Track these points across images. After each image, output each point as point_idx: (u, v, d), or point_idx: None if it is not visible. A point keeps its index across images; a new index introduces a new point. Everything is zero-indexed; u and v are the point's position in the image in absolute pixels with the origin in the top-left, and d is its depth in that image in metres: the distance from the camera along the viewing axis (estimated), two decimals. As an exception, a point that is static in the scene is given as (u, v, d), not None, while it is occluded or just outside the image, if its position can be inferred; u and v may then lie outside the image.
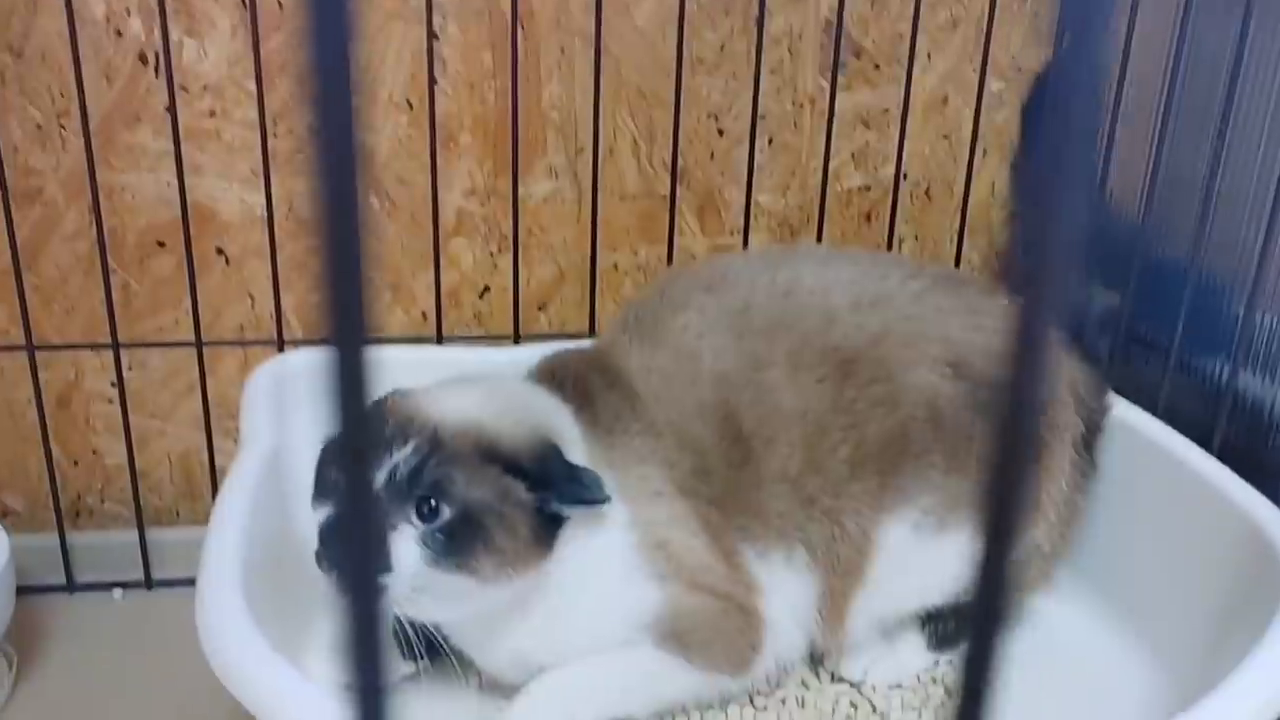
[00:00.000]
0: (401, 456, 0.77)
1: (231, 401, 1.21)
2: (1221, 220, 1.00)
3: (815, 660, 0.98)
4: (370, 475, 0.20)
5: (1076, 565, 1.02)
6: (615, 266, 1.23)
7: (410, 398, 0.83)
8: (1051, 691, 0.96)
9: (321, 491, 0.80)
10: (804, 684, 0.96)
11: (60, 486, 1.17)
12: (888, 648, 0.98)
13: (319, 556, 0.76)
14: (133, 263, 1.15)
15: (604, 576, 0.85)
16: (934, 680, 0.98)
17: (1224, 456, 0.93)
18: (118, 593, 1.18)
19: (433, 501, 0.76)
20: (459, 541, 0.76)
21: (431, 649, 0.85)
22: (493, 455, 0.79)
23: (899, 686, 0.97)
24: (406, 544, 0.76)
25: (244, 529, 0.79)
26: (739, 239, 1.24)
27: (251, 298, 1.18)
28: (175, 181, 1.09)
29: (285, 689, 0.64)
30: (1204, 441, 0.95)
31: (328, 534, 0.77)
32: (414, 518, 0.76)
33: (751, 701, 0.93)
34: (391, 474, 0.77)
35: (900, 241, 1.28)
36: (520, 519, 0.78)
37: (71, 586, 1.18)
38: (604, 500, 0.79)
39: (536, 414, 0.84)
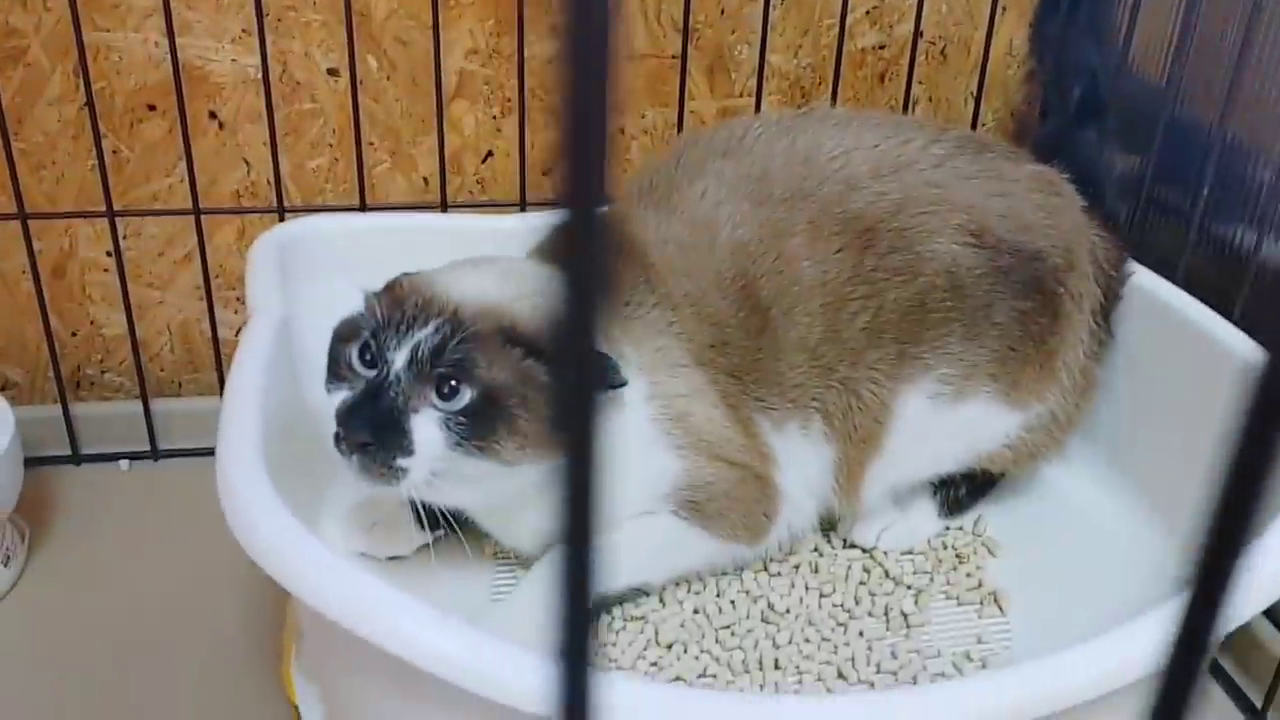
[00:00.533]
0: (423, 336, 0.75)
1: (230, 271, 1.19)
2: (1251, 82, 0.97)
3: (828, 527, 0.99)
4: (587, 354, 0.19)
5: (1090, 434, 1.02)
6: (621, 130, 1.20)
7: (426, 278, 0.81)
8: (1062, 559, 0.97)
9: (335, 374, 0.79)
10: (817, 550, 0.97)
11: (60, 358, 1.15)
12: (900, 514, 0.98)
13: (337, 439, 0.75)
14: (122, 128, 1.11)
15: (625, 450, 0.84)
16: (944, 545, 0.99)
17: (1245, 325, 0.91)
18: (124, 464, 1.18)
19: (454, 382, 0.75)
20: (480, 424, 0.75)
21: (448, 519, 0.85)
22: (513, 337, 0.77)
23: (910, 552, 0.98)
24: (428, 426, 0.75)
25: (260, 398, 0.78)
26: (749, 101, 1.20)
27: (247, 164, 1.14)
28: (164, 41, 1.05)
29: (308, 557, 0.64)
30: (1225, 310, 0.94)
31: (345, 417, 0.75)
32: (435, 399, 0.75)
33: (765, 567, 0.94)
34: (414, 353, 0.75)
35: (914, 103, 1.24)
36: (542, 402, 0.77)
37: (78, 458, 1.17)
38: (621, 384, 0.78)
39: (551, 295, 0.82)
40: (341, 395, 0.77)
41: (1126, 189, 1.09)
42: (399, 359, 0.75)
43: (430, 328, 0.76)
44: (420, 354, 0.75)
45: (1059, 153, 0.99)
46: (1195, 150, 1.03)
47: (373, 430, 0.74)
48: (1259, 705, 0.91)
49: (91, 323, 1.19)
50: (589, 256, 0.17)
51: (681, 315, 0.87)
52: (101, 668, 0.93)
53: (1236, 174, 0.99)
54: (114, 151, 1.11)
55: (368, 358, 0.77)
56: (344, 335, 0.79)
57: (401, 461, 0.74)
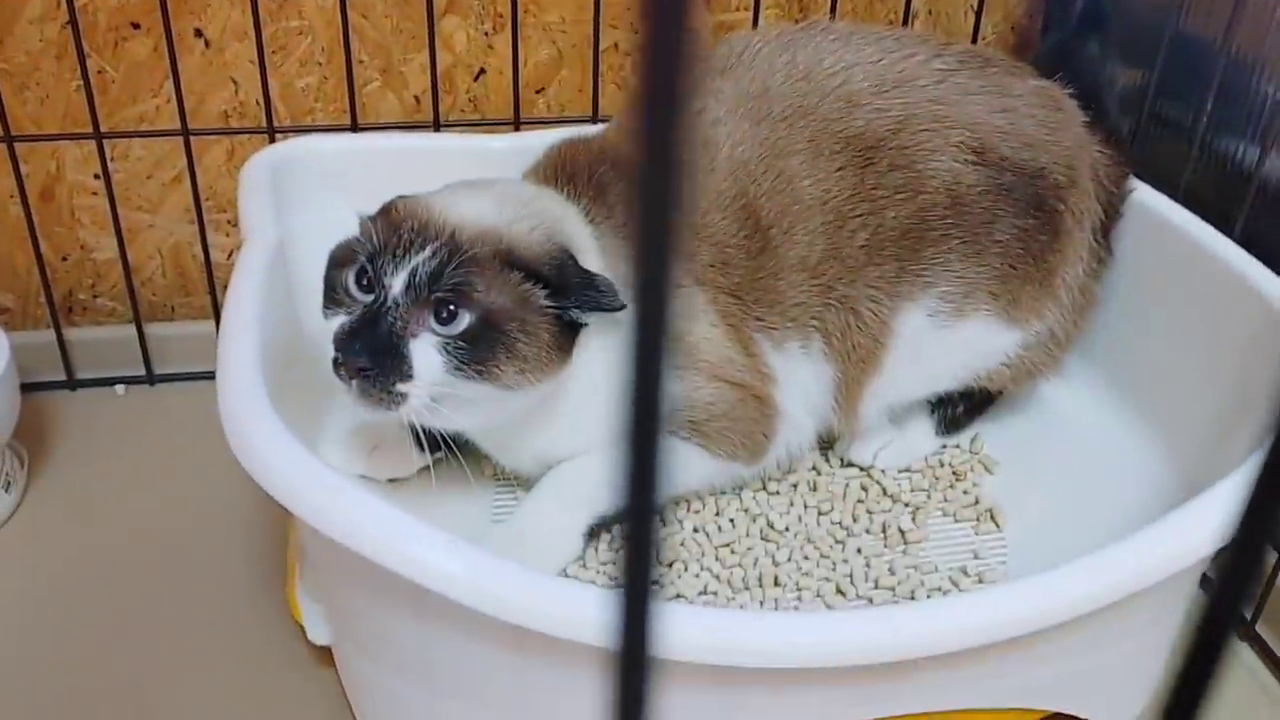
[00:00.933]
0: (421, 259, 0.75)
1: (220, 193, 1.17)
2: (1258, -7, 0.95)
3: (826, 446, 0.99)
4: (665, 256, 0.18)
5: (1088, 351, 1.02)
6: (616, 46, 1.17)
7: (422, 201, 0.79)
8: (1059, 475, 0.98)
9: (332, 299, 0.78)
10: (815, 469, 0.98)
11: (51, 283, 1.14)
12: (897, 433, 0.99)
13: (336, 365, 0.75)
14: (106, 46, 1.08)
15: (624, 372, 0.84)
16: (942, 463, 1.00)
17: (1246, 242, 0.91)
18: (120, 388, 1.18)
19: (452, 307, 0.74)
20: (479, 348, 0.74)
21: (448, 442, 0.85)
22: (511, 261, 0.76)
23: (908, 470, 0.99)
24: (427, 350, 0.74)
25: (258, 323, 0.77)
26: (746, 15, 1.17)
27: (235, 83, 1.12)
28: (146, -45, 1.02)
29: (310, 477, 0.64)
30: (1226, 226, 0.93)
31: (344, 343, 0.75)
32: (433, 324, 0.75)
33: (764, 486, 0.95)
34: (411, 278, 0.74)
35: (914, 17, 1.22)
36: (540, 325, 0.76)
37: (73, 383, 1.17)
38: (620, 307, 0.78)
39: (549, 219, 0.81)
40: (339, 320, 0.76)
41: (1129, 104, 1.08)
42: (396, 284, 0.74)
43: (427, 251, 0.75)
44: (418, 278, 0.74)
45: (1061, 67, 0.97)
46: (1198, 64, 1.01)
47: (371, 356, 0.73)
48: (1249, 617, 0.92)
49: (82, 247, 1.17)
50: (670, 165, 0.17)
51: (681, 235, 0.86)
52: (106, 590, 0.93)
53: (1240, 89, 0.98)
54: (99, 71, 1.09)
55: (365, 283, 0.76)
56: (340, 260, 0.78)
57: (401, 387, 0.74)
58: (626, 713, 0.20)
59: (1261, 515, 0.17)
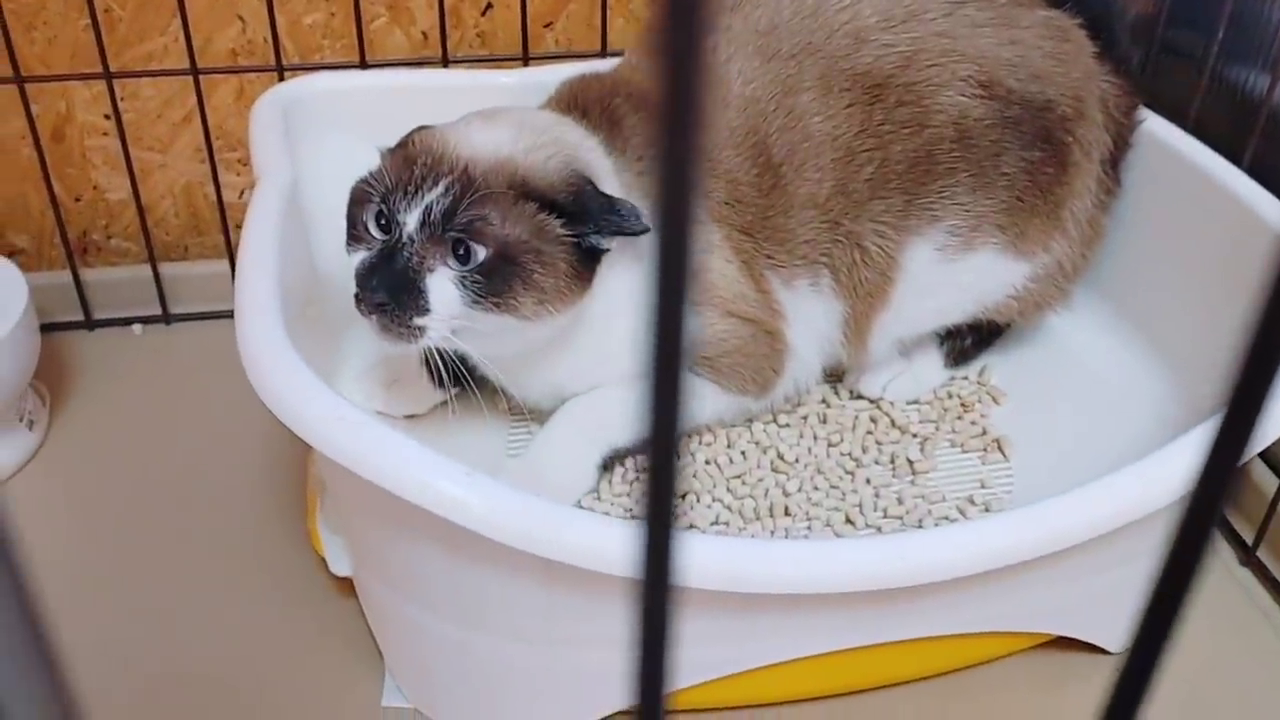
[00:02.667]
0: (434, 197, 0.75)
1: (230, 132, 1.17)
2: (1272, -82, 0.94)
3: (835, 378, 1.01)
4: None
5: (1096, 283, 1.03)
6: (623, -20, 1.17)
7: (437, 134, 0.80)
8: (1066, 406, 0.99)
9: (354, 235, 0.79)
10: (825, 401, 0.99)
11: (65, 224, 1.14)
12: (906, 365, 1.00)
13: (358, 300, 0.76)
14: (113, -16, 1.08)
15: (639, 306, 0.85)
16: (950, 394, 1.01)
17: (1255, 173, 0.91)
18: (137, 328, 1.19)
19: (468, 242, 0.75)
20: (497, 281, 0.75)
21: (464, 376, 0.86)
22: (527, 192, 0.77)
23: (916, 402, 1.00)
24: (444, 285, 0.75)
25: (274, 262, 0.78)
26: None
27: (242, 20, 1.12)
28: (150, -108, 1.01)
29: (330, 412, 0.65)
30: (1235, 157, 0.93)
31: (363, 278, 0.76)
32: (450, 259, 0.75)
33: (775, 419, 0.97)
34: (425, 215, 0.75)
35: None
36: (558, 255, 0.77)
37: (91, 323, 1.18)
38: (644, 230, 0.78)
39: (566, 147, 0.81)
40: (360, 256, 0.77)
41: (1139, 33, 1.07)
42: (411, 221, 0.75)
43: (440, 188, 0.75)
44: (432, 216, 0.75)
45: (1073, -4, 0.97)
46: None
47: (389, 291, 0.74)
48: (1250, 543, 0.94)
49: (94, 187, 1.18)
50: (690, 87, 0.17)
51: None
52: (129, 527, 0.96)
53: (1251, 16, 0.97)
54: (106, 10, 1.08)
55: (382, 221, 0.77)
56: (359, 197, 0.79)
57: (419, 321, 0.75)
58: (650, 638, 0.22)
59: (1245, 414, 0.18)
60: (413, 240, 0.75)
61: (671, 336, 0.19)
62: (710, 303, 0.85)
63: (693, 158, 0.18)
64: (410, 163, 0.77)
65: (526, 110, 0.87)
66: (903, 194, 0.89)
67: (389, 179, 0.77)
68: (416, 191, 0.76)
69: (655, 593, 0.21)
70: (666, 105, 0.18)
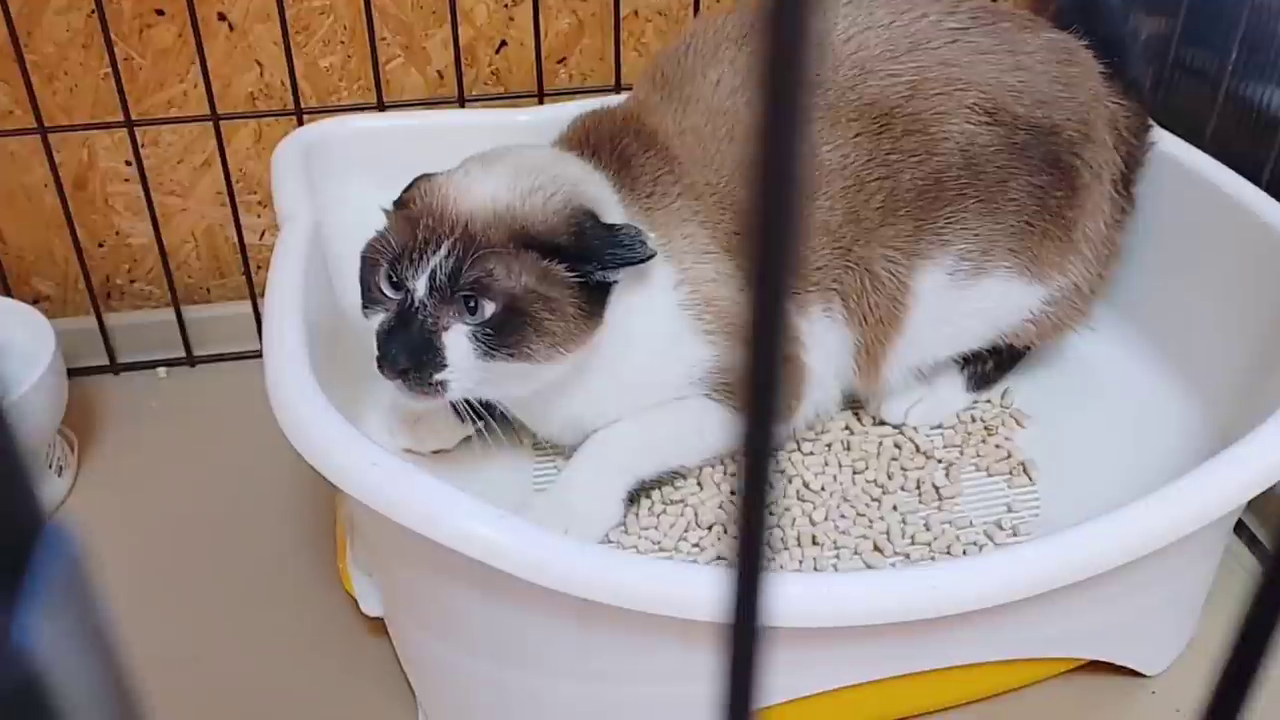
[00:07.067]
0: (438, 260, 0.77)
1: (250, 175, 1.19)
2: (1282, -65, 0.95)
3: (858, 406, 1.01)
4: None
5: (1116, 302, 1.03)
6: (635, 13, 1.18)
7: (438, 187, 0.81)
8: (1090, 427, 0.99)
9: (369, 297, 0.80)
10: (848, 429, 0.99)
11: (89, 270, 1.15)
12: (928, 390, 1.00)
13: (380, 364, 0.77)
14: (132, 34, 1.09)
15: (655, 338, 0.85)
16: (973, 418, 1.01)
17: (1274, 190, 0.91)
18: (162, 371, 1.20)
19: (475, 299, 0.77)
20: (508, 332, 0.77)
21: (488, 413, 0.87)
22: (528, 241, 0.78)
23: (939, 426, 1.00)
24: (459, 341, 0.77)
25: (300, 305, 0.79)
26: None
27: (260, 65, 1.13)
28: (168, -58, 1.03)
29: (360, 456, 0.66)
30: (1253, 175, 0.93)
31: (383, 343, 0.77)
32: (463, 315, 0.77)
33: (799, 447, 0.97)
34: (432, 279, 0.77)
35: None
36: (566, 298, 0.78)
37: (116, 368, 1.19)
38: (648, 256, 0.79)
39: (566, 183, 0.82)
40: (378, 318, 0.79)
41: (1152, 52, 1.08)
42: (420, 285, 0.77)
43: (443, 250, 0.77)
44: (438, 279, 0.77)
45: (1083, 14, 0.97)
46: (1223, 10, 1.01)
47: (409, 355, 0.76)
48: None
49: (117, 233, 1.19)
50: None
51: (706, 204, 0.87)
52: (161, 569, 0.96)
53: (1266, 33, 0.98)
54: (125, 59, 1.10)
55: (394, 281, 0.78)
56: (370, 259, 0.81)
57: (439, 376, 0.77)
58: (738, 678, 0.22)
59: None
60: (424, 304, 0.77)
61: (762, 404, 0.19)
62: (726, 330, 0.85)
63: (789, 259, 0.18)
64: (413, 224, 0.79)
65: (524, 149, 0.88)
66: (912, 220, 0.89)
67: (394, 244, 0.78)
68: (421, 256, 0.77)
69: (744, 638, 0.22)
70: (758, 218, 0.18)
